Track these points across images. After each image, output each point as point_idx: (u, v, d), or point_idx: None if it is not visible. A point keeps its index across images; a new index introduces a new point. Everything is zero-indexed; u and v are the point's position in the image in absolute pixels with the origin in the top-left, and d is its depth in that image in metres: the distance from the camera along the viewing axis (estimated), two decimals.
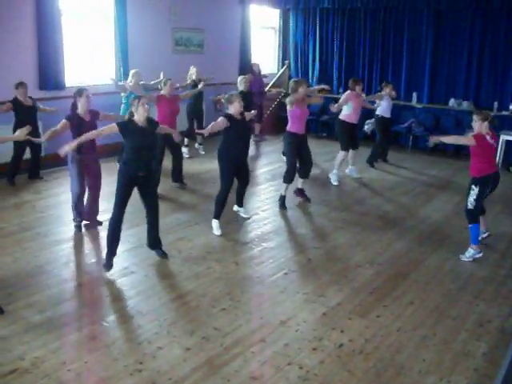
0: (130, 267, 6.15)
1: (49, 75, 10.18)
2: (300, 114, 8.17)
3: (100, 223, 7.43)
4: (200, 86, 10.78)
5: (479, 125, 6.54)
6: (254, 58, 14.87)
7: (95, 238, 7.08)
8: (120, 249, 6.17)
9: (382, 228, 7.74)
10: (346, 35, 14.94)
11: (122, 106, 9.96)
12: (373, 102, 10.85)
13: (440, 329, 5.09)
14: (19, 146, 9.07)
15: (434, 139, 6.93)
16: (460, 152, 12.30)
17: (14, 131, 8.91)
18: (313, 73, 15.74)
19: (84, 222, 7.36)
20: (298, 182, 8.68)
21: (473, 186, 6.59)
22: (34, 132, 9.17)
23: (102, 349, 4.59)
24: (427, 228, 7.81)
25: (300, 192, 8.77)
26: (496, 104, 12.47)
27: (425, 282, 6.08)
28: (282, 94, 15.14)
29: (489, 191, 6.78)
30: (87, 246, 6.89)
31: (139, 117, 5.87)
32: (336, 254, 6.78)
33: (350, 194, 9.46)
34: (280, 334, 4.89)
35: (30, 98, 9.13)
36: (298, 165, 8.47)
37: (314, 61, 15.69)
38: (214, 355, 4.54)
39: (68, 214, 7.51)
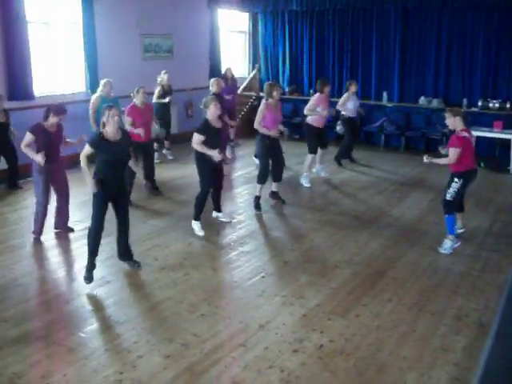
0: (105, 277, 6.08)
1: (17, 85, 10.04)
2: (272, 118, 8.18)
3: (71, 229, 7.40)
4: (167, 99, 10.97)
5: (452, 121, 6.66)
6: (224, 62, 14.85)
7: (69, 250, 7.00)
8: None
9: (358, 227, 7.76)
10: (315, 37, 15.02)
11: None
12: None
13: (419, 325, 5.12)
14: None
15: (428, 160, 6.85)
16: (431, 149, 12.42)
17: None
18: (283, 75, 15.79)
19: (55, 231, 7.35)
20: (272, 184, 8.69)
21: (456, 179, 6.65)
22: (7, 145, 9.10)
23: (81, 360, 4.53)
24: (402, 226, 7.85)
25: (274, 195, 8.79)
26: (465, 101, 12.63)
27: (402, 279, 6.11)
28: (253, 98, 15.16)
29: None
30: (62, 257, 6.80)
31: (110, 129, 5.70)
32: (312, 256, 6.79)
33: (323, 195, 9.49)
34: (260, 338, 4.88)
35: (5, 111, 9.05)
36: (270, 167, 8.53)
37: (284, 63, 15.75)
38: (195, 362, 4.51)
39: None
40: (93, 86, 10.98)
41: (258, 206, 8.39)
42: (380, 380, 4.29)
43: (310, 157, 9.94)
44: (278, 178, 8.62)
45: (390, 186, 9.99)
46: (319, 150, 10.19)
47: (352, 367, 4.44)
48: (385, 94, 13.74)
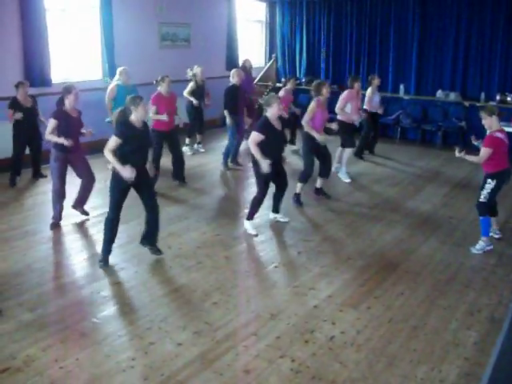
0: (120, 264, 6.12)
1: (35, 72, 10.09)
2: (322, 117, 8.12)
3: (87, 213, 7.47)
4: (194, 102, 10.84)
5: (489, 121, 6.45)
6: (241, 52, 14.83)
7: (85, 236, 7.05)
8: None
9: (372, 220, 7.75)
10: (332, 27, 14.94)
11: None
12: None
13: (431, 319, 5.11)
14: (18, 145, 8.94)
15: (461, 155, 6.64)
16: (448, 143, 12.36)
17: (15, 129, 8.82)
18: (300, 66, 15.74)
19: (72, 209, 7.45)
20: (318, 180, 8.62)
21: (489, 180, 6.50)
22: (35, 133, 9.01)
23: (93, 346, 4.58)
24: (416, 219, 7.82)
25: (319, 191, 8.70)
26: (483, 95, 12.51)
27: (415, 272, 6.10)
28: (269, 88, 15.12)
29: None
30: (76, 243, 6.84)
31: (137, 118, 5.69)
32: (326, 247, 6.78)
33: (339, 186, 9.46)
34: (271, 327, 4.90)
35: (32, 96, 8.99)
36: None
37: (301, 54, 15.70)
38: (206, 350, 4.54)
39: None
40: (110, 73, 11.00)
41: (298, 202, 8.25)
42: (390, 373, 4.29)
43: (348, 151, 9.85)
44: (325, 174, 8.48)
45: (406, 179, 9.95)
46: (340, 150, 10.07)
47: (362, 359, 4.46)
48: (402, 87, 13.64)
